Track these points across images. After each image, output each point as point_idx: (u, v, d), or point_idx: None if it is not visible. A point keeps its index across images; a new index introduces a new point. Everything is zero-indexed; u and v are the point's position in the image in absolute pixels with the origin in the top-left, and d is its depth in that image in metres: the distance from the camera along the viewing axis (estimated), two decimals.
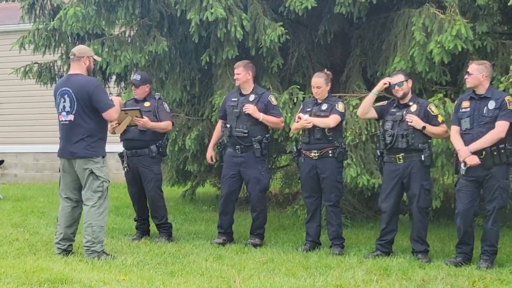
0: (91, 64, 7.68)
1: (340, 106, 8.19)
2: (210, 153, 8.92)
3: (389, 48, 9.62)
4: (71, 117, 7.42)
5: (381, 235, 7.97)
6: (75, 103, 7.38)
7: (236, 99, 8.58)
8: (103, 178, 7.50)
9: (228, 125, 8.53)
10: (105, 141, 7.66)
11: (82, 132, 7.41)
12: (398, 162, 7.74)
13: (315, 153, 8.15)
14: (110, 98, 7.84)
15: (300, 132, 8.48)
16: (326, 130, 8.07)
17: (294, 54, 10.60)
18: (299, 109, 8.61)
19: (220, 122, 8.82)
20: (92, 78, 7.67)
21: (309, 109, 8.29)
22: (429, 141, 7.79)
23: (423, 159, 7.64)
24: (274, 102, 8.63)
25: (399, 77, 7.84)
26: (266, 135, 8.50)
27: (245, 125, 8.41)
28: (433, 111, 7.76)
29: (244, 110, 8.39)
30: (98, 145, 7.51)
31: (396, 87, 7.84)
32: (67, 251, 7.61)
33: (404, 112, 7.75)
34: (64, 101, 7.44)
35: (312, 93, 8.42)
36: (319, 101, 8.26)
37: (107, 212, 7.65)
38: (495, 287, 6.49)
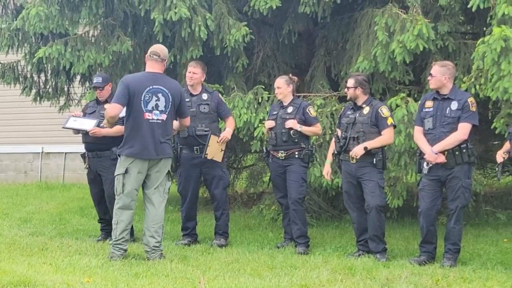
0: None
1: (312, 112, 8.31)
2: None
3: (353, 48, 9.67)
4: (163, 116, 7.47)
5: (358, 235, 7.95)
6: (170, 103, 7.48)
7: (188, 100, 8.46)
8: (171, 179, 7.76)
9: None
10: None
11: (168, 133, 7.57)
12: (351, 162, 7.76)
13: (282, 153, 8.25)
14: None
15: (267, 134, 8.53)
16: (291, 132, 8.16)
17: (259, 54, 10.62)
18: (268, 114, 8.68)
19: None
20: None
21: (275, 113, 8.41)
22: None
23: (374, 162, 7.67)
24: (223, 99, 8.81)
25: (349, 82, 7.90)
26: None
27: (203, 123, 8.43)
28: (383, 113, 7.73)
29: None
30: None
31: (345, 89, 7.96)
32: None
33: (357, 115, 7.80)
34: (158, 100, 7.43)
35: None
36: (284, 104, 8.34)
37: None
38: (458, 285, 6.53)
